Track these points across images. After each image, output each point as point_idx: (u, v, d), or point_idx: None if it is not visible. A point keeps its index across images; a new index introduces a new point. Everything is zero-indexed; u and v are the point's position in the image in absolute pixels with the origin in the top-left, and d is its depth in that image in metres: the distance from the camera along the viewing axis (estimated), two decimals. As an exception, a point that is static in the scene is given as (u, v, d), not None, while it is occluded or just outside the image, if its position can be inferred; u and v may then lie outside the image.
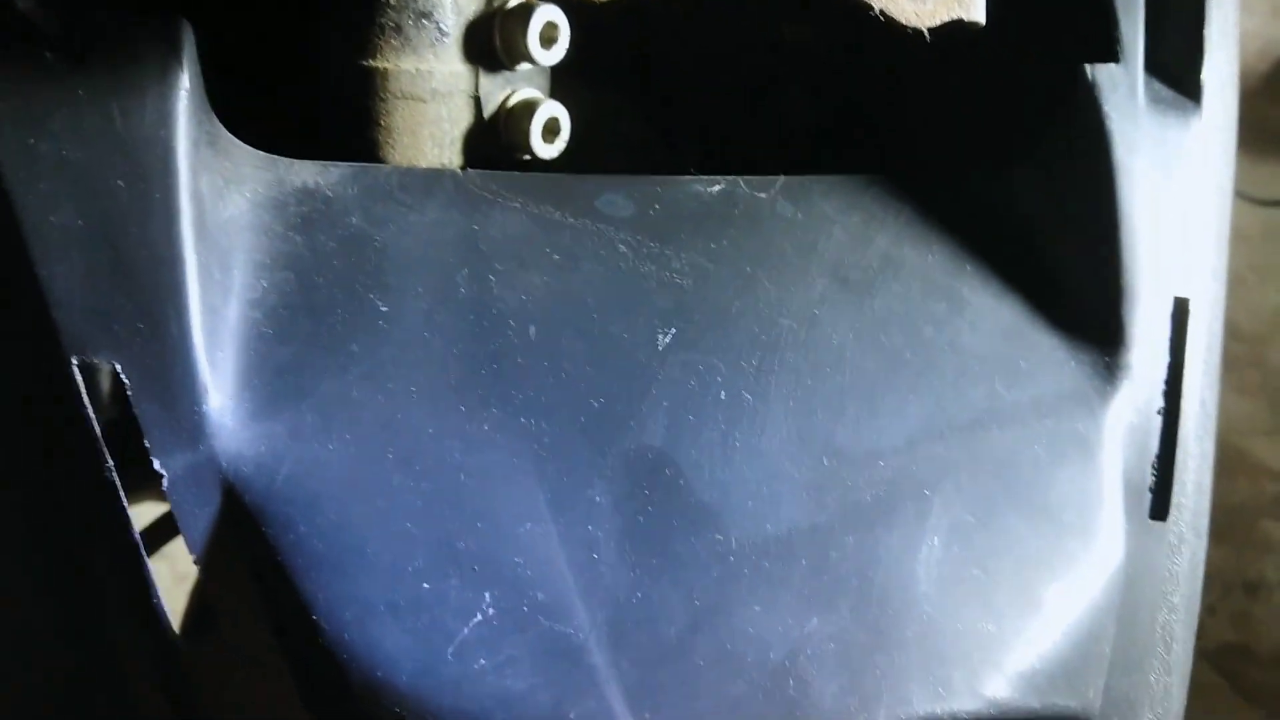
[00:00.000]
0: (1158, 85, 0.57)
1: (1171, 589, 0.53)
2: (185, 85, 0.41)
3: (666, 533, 0.43)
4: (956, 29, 0.46)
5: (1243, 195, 1.92)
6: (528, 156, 0.57)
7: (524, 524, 0.41)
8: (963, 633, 0.45)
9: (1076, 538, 0.49)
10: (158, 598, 0.38)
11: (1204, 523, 0.58)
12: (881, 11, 0.44)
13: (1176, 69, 0.57)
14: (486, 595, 0.40)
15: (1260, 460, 1.84)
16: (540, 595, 0.40)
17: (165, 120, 0.40)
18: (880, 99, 0.64)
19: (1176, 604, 0.54)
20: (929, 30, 0.45)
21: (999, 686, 0.45)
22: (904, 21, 0.44)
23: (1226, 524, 1.77)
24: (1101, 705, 0.49)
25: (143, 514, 0.42)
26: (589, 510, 0.42)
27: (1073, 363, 0.53)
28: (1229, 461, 1.84)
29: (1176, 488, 0.53)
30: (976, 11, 0.47)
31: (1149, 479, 0.52)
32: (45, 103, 0.39)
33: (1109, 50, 0.54)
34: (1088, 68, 0.54)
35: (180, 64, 0.41)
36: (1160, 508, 0.52)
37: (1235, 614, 1.67)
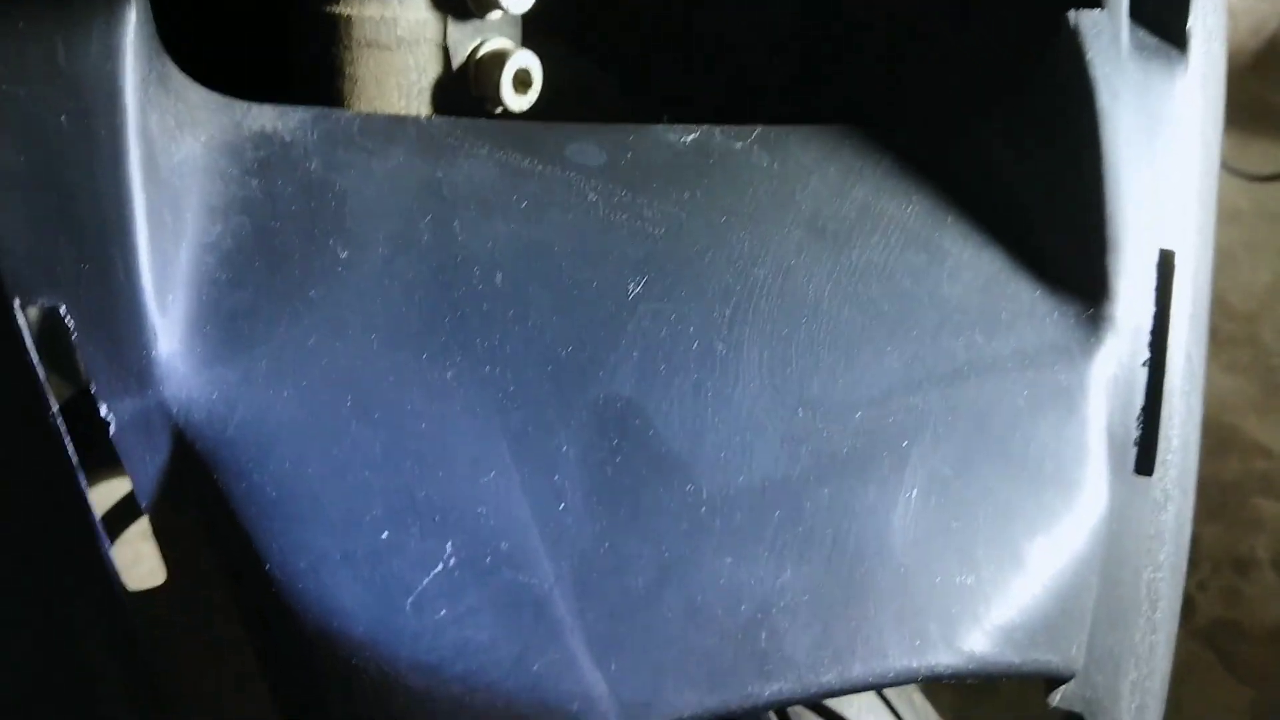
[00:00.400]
0: (1142, 33, 0.55)
1: (1157, 546, 0.52)
2: (132, 19, 0.39)
3: (635, 483, 0.42)
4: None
5: (1235, 171, 1.91)
6: (499, 109, 0.56)
7: (487, 473, 0.40)
8: (940, 586, 0.44)
9: (1058, 491, 0.47)
10: (106, 546, 0.37)
11: (1191, 480, 0.57)
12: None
13: (1162, 17, 0.55)
14: (448, 545, 0.38)
15: (1251, 437, 1.84)
16: (504, 545, 0.39)
17: (111, 55, 0.39)
18: (852, 48, 0.63)
19: (1162, 561, 0.53)
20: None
21: (977, 640, 0.44)
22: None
23: (1218, 501, 1.76)
24: (1085, 662, 0.48)
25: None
26: (555, 460, 0.41)
27: (1055, 314, 0.51)
28: (1220, 439, 1.83)
29: (1162, 443, 0.52)
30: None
31: (1134, 433, 0.51)
32: (-16, 36, 0.38)
33: (1092, -4, 0.53)
34: (1071, 14, 0.53)
35: (127, -2, 0.39)
36: (1145, 462, 0.51)
37: (1226, 591, 1.67)
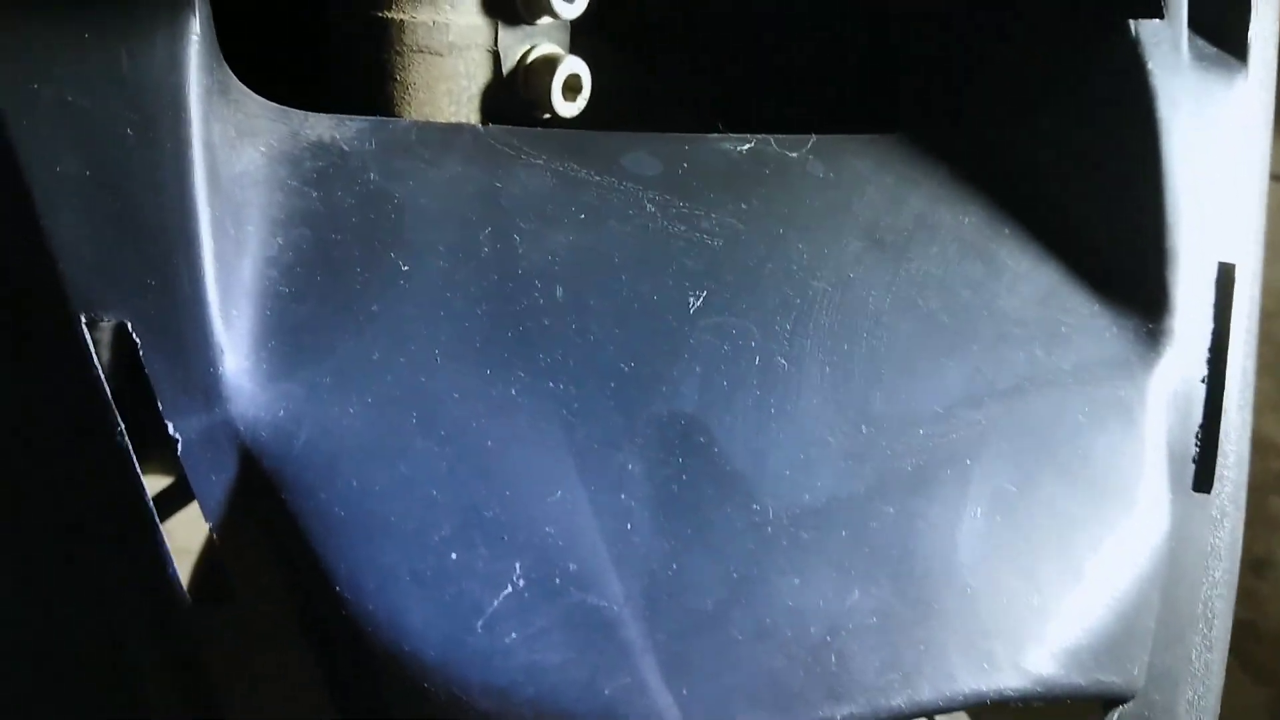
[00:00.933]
0: (1201, 43, 0.54)
1: (1214, 563, 0.52)
2: (196, 30, 0.38)
3: (701, 502, 0.41)
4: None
5: (1253, 170, 1.89)
6: (547, 115, 0.55)
7: (554, 492, 0.40)
8: (1006, 606, 0.43)
9: (1120, 509, 0.47)
10: (173, 568, 0.36)
11: (1243, 496, 0.56)
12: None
13: (1222, 26, 0.55)
14: (516, 565, 0.38)
15: (1269, 437, 1.83)
16: (572, 566, 0.38)
17: (175, 66, 0.38)
18: (905, 56, 0.62)
19: (1218, 579, 0.52)
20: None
21: (1043, 662, 0.43)
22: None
23: (1234, 502, 1.75)
24: (1144, 682, 0.47)
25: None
26: (620, 478, 0.41)
27: (1114, 328, 0.51)
28: (1237, 439, 1.82)
29: (1220, 459, 0.52)
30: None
31: (1192, 449, 0.51)
32: (49, 45, 0.37)
33: (1153, 6, 0.52)
34: (1132, 23, 0.52)
35: (191, 7, 0.38)
36: (1204, 479, 0.50)
37: (1242, 591, 1.65)
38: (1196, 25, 0.54)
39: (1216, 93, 0.54)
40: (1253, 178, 0.56)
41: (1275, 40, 0.59)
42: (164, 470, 0.37)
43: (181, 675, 0.37)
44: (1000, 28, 0.56)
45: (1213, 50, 0.55)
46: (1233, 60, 0.55)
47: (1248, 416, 0.57)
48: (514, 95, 0.55)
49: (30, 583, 0.38)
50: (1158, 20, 0.52)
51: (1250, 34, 0.55)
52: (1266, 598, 1.66)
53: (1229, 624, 0.55)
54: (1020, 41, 0.56)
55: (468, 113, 0.54)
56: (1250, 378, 0.57)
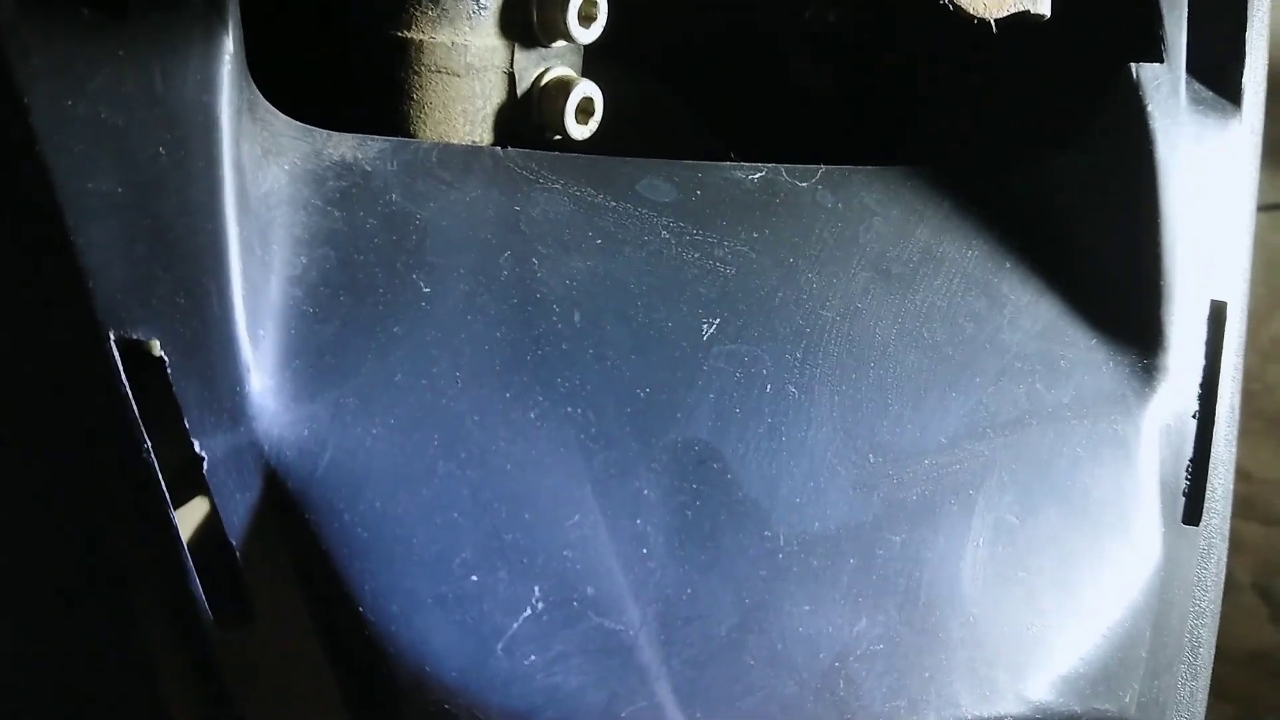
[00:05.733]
0: (1199, 86, 0.56)
1: (1200, 594, 0.53)
2: (229, 49, 0.39)
3: (714, 528, 0.42)
4: (1020, 21, 0.45)
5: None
6: (558, 137, 0.56)
7: (571, 516, 0.40)
8: (1007, 634, 0.44)
9: (1116, 540, 0.48)
10: (196, 586, 0.36)
11: (1227, 528, 0.58)
12: (949, 1, 0.43)
13: (1218, 71, 0.56)
14: (535, 589, 0.38)
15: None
16: (590, 590, 0.39)
17: (209, 85, 0.38)
18: (913, 91, 0.63)
19: (1204, 609, 0.54)
20: (995, 21, 0.44)
21: (1042, 689, 0.44)
22: (971, 11, 0.43)
23: (1199, 523, 1.79)
24: (1135, 710, 0.48)
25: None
26: (637, 503, 0.41)
27: (1111, 363, 0.52)
28: (1202, 462, 1.85)
29: (1208, 493, 0.53)
30: (1043, 4, 0.46)
31: (1183, 482, 0.52)
32: (84, 62, 0.37)
33: (1154, 50, 0.54)
34: (1133, 66, 0.53)
35: (225, 25, 0.39)
36: (1194, 512, 0.52)
37: (1206, 612, 1.69)
38: (1194, 69, 0.55)
39: (1212, 135, 0.55)
40: (1243, 217, 0.57)
41: (1262, 84, 0.61)
42: (189, 489, 0.37)
43: (203, 695, 0.37)
44: (1007, 69, 0.57)
45: (1209, 94, 0.56)
46: (1227, 104, 0.56)
47: (1233, 453, 0.58)
48: (527, 117, 0.55)
49: (53, 600, 0.38)
50: (1158, 64, 0.54)
51: (1244, 79, 0.56)
52: (1230, 619, 1.69)
53: (1212, 653, 0.57)
54: (1025, 82, 0.57)
55: (482, 133, 0.55)
56: (1235, 413, 0.59)
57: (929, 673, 0.42)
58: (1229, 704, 1.56)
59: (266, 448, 0.38)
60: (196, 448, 0.37)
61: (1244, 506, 1.84)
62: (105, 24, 0.37)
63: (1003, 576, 0.45)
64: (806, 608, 0.42)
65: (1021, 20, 0.45)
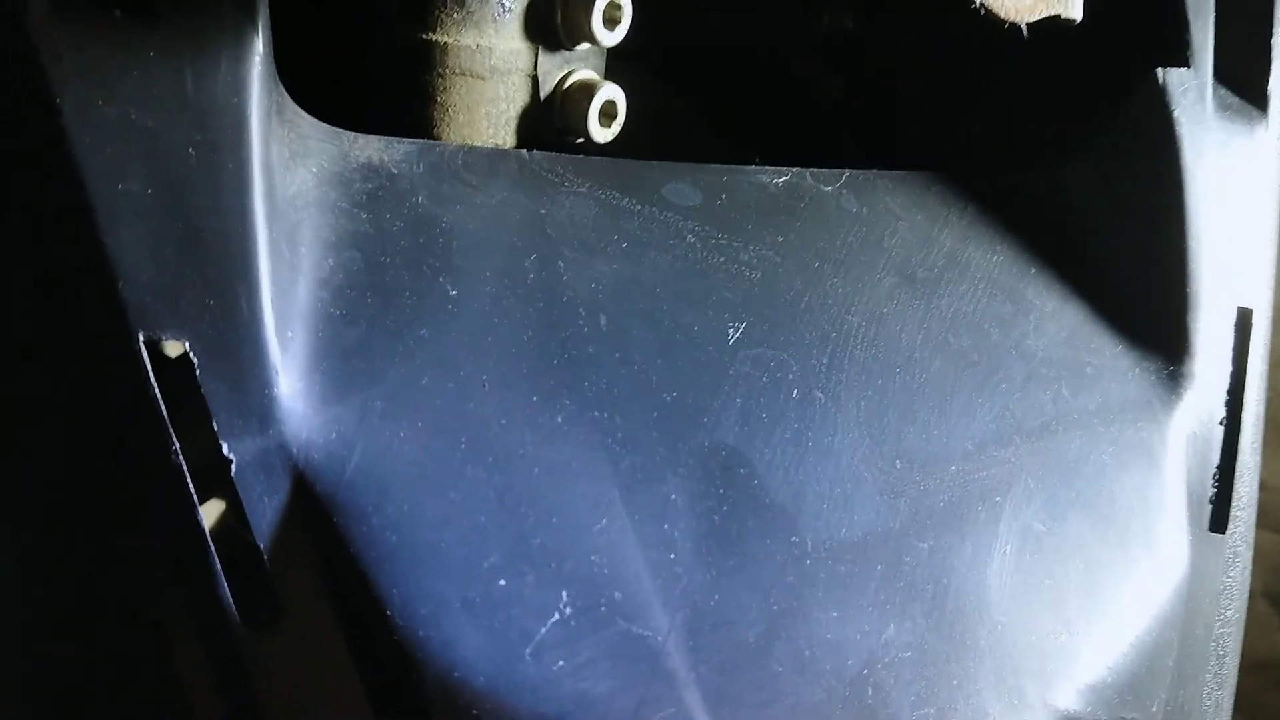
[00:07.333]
0: (1224, 92, 0.56)
1: (1226, 602, 0.53)
2: (259, 50, 0.39)
3: (742, 533, 0.42)
4: (1051, 25, 0.45)
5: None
6: (581, 139, 0.56)
7: (599, 520, 0.40)
8: (1035, 642, 0.44)
9: (1143, 548, 0.48)
10: (224, 588, 0.36)
11: (1251, 535, 0.58)
12: (981, 4, 0.42)
13: (1245, 77, 0.56)
14: (564, 594, 0.38)
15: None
16: (618, 595, 0.39)
17: (239, 87, 0.38)
18: (935, 94, 0.63)
19: (1229, 617, 0.53)
20: (1026, 25, 0.44)
21: (1070, 698, 0.44)
22: (1003, 15, 0.42)
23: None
24: (1162, 718, 0.48)
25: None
26: (664, 508, 0.41)
27: (1137, 369, 0.52)
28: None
29: (1234, 500, 0.53)
30: (1074, 8, 0.46)
31: (1209, 490, 0.52)
32: (114, 64, 0.37)
33: (1180, 55, 0.54)
34: (1159, 72, 0.53)
35: (255, 27, 0.39)
36: (1220, 520, 0.52)
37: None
38: (1221, 75, 0.55)
39: (1238, 141, 0.55)
40: (1269, 224, 0.57)
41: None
42: (217, 491, 0.37)
43: (230, 698, 0.37)
44: (1033, 74, 0.57)
45: (1235, 100, 0.56)
46: (1254, 110, 0.56)
47: (1258, 460, 0.58)
48: (550, 120, 0.55)
49: (81, 601, 0.38)
50: (1184, 69, 0.53)
51: (1271, 85, 0.56)
52: (1241, 626, 1.68)
53: (1237, 661, 0.56)
54: (1052, 87, 0.57)
55: (505, 136, 0.54)
56: (1260, 420, 0.58)
57: (957, 681, 0.42)
58: (1236, 712, 1.55)
59: (295, 450, 0.37)
60: (225, 450, 0.36)
61: (1258, 515, 1.83)
62: (136, 26, 0.37)
63: (1030, 584, 0.45)
64: (834, 614, 0.41)
65: (1052, 24, 0.45)
